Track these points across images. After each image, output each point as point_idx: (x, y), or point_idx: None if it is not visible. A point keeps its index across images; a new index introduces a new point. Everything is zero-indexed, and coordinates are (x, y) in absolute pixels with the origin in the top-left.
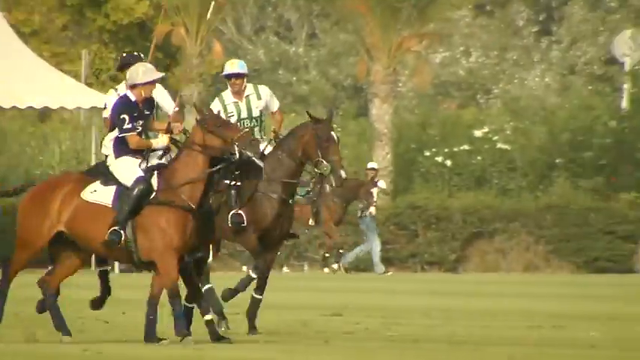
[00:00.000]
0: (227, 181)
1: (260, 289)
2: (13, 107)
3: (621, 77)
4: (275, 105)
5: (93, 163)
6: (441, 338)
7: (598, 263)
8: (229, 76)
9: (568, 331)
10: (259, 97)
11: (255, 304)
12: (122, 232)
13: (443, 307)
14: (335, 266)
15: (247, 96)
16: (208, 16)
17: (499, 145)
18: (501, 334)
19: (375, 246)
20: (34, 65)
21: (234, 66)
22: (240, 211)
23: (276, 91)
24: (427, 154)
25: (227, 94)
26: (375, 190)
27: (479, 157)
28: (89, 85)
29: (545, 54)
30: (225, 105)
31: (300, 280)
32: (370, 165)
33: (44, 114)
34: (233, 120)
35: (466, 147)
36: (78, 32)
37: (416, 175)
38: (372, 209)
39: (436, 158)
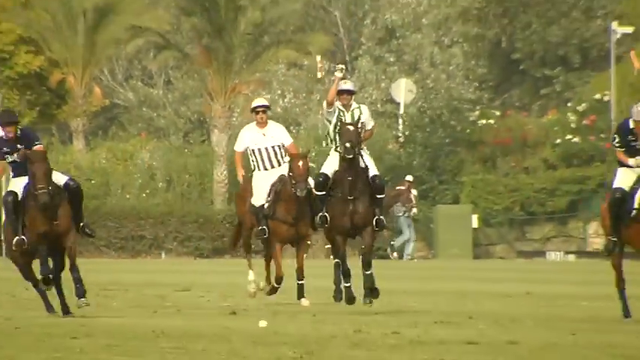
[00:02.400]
0: None
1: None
2: None
3: (398, 113)
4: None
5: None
6: (264, 307)
7: None
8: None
9: (330, 325)
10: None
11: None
12: None
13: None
14: (395, 255)
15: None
16: None
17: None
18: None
19: (412, 237)
20: None
21: (347, 84)
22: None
23: (139, 124)
24: None
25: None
26: (412, 196)
27: None
28: None
29: None
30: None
31: (158, 264)
32: (407, 177)
33: None
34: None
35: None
36: None
37: None
38: (414, 210)
39: None
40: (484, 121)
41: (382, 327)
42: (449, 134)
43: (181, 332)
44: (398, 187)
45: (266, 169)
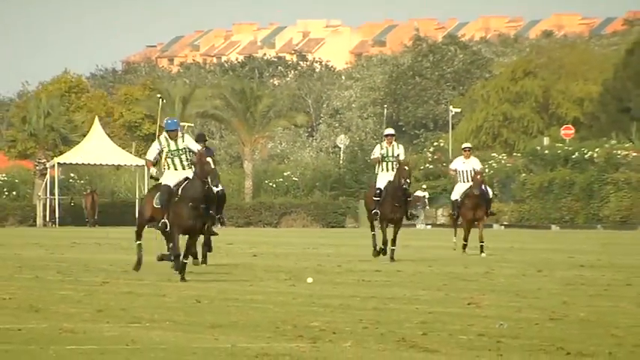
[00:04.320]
0: None
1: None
2: (105, 165)
3: (339, 152)
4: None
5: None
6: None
7: None
8: (386, 135)
9: (305, 263)
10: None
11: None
12: None
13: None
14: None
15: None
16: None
17: None
18: None
19: (421, 217)
20: (113, 149)
21: (390, 130)
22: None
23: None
24: (268, 183)
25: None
26: (426, 199)
27: None
28: (136, 156)
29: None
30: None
31: (231, 230)
32: (418, 193)
33: (118, 167)
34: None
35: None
36: (131, 137)
37: (262, 189)
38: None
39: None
40: None
41: (331, 263)
42: (364, 162)
43: (228, 265)
44: (415, 194)
45: (464, 181)
